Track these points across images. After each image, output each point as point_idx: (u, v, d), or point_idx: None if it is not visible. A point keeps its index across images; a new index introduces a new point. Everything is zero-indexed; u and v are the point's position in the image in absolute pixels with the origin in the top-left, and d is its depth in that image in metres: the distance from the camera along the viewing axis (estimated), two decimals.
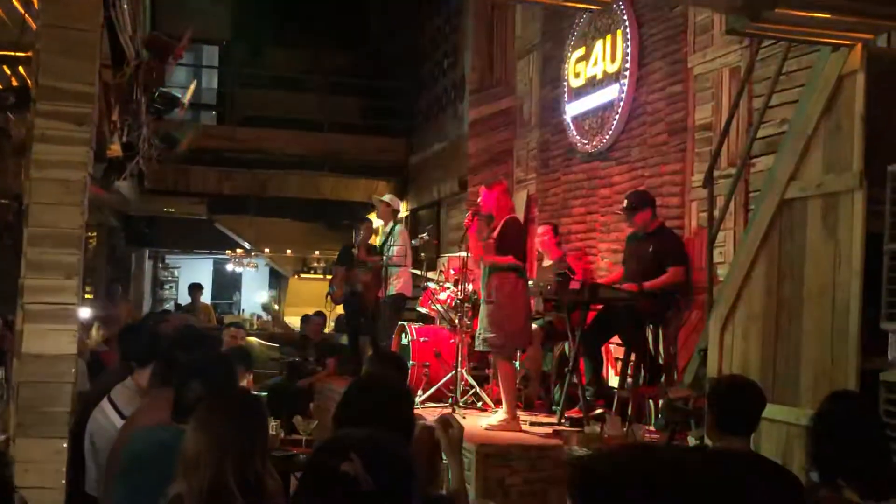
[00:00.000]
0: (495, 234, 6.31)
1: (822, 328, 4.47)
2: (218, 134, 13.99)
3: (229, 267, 21.86)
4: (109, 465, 3.49)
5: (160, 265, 22.69)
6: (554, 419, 6.64)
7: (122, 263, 16.84)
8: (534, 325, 7.75)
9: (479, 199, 6.63)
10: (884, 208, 4.09)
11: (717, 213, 6.09)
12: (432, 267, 8.52)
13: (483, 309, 6.40)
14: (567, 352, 7.01)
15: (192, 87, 10.12)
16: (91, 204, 10.20)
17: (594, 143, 8.27)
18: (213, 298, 21.35)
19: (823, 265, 4.49)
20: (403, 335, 8.02)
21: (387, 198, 9.35)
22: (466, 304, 7.34)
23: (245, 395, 2.80)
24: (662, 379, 6.56)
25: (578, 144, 8.60)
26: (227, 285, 23.84)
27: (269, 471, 2.48)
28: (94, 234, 14.58)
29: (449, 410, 7.09)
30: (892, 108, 4.39)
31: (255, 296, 22.25)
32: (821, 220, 4.54)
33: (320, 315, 11.35)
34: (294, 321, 13.82)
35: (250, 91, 15.11)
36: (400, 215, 9.58)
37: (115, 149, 8.50)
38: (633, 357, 6.61)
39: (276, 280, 22.12)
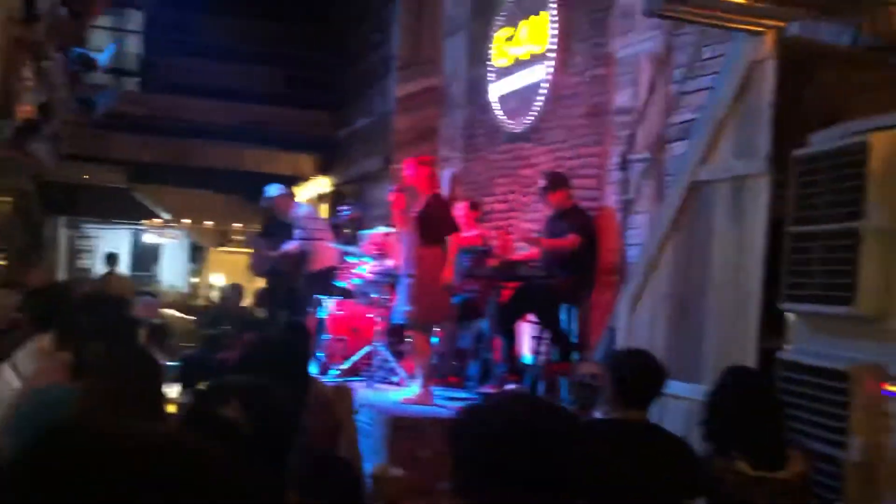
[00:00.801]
0: (419, 209, 6.33)
1: (725, 308, 4.59)
2: (139, 101, 13.63)
3: (149, 238, 21.41)
4: (4, 426, 3.44)
5: (77, 234, 22.12)
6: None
7: (37, 230, 16.34)
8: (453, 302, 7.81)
9: (403, 173, 6.64)
10: (788, 193, 4.20)
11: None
12: (354, 242, 8.47)
13: (404, 283, 6.42)
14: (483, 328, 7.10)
15: (112, 49, 9.82)
16: (5, 166, 9.81)
17: (517, 123, 8.32)
18: (132, 270, 20.89)
19: (729, 248, 4.60)
20: (321, 309, 7.98)
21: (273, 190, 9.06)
22: (385, 279, 7.34)
23: (140, 352, 2.76)
24: (576, 356, 6.67)
25: (502, 124, 8.64)
26: (146, 257, 23.33)
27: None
28: (11, 199, 14.13)
29: (363, 384, 7.11)
30: (800, 95, 4.51)
31: (175, 268, 21.83)
32: (729, 203, 4.66)
33: (236, 286, 11.23)
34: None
35: (175, 58, 14.75)
36: (318, 192, 9.44)
37: (29, 109, 8.24)
38: (546, 334, 6.72)
39: (199, 253, 21.75)
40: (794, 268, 4.04)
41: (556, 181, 6.78)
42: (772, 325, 4.35)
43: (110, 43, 16.98)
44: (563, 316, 6.75)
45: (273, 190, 8.90)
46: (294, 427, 1.60)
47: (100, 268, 16.91)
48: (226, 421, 1.46)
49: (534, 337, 6.86)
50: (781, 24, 4.40)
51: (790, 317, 4.18)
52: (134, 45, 16.83)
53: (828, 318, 3.89)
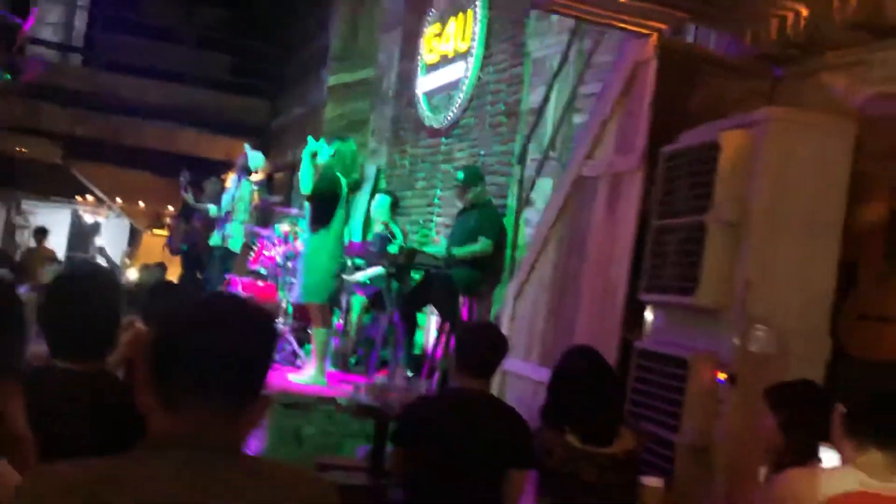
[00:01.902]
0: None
1: (595, 299, 4.71)
2: (75, 74, 13.53)
3: (88, 218, 21.18)
4: None
5: (14, 210, 21.80)
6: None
7: None
8: (360, 292, 7.89)
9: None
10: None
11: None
12: (268, 225, 8.56)
13: (299, 262, 6.51)
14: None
15: (34, 13, 9.75)
16: None
17: (440, 119, 8.43)
18: (69, 250, 20.64)
19: (603, 240, 4.73)
20: (229, 288, 8.00)
21: (252, 152, 9.26)
22: (290, 262, 7.40)
23: None
24: None
25: (426, 119, 8.75)
26: (85, 237, 23.09)
27: None
28: None
29: None
30: (678, 95, 4.66)
31: (113, 250, 21.60)
32: (606, 197, 4.79)
33: (162, 266, 11.18)
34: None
35: (120, 36, 14.67)
36: (255, 176, 9.50)
37: None
38: (446, 326, 6.81)
39: (136, 236, 21.58)
40: (653, 260, 4.18)
41: (472, 176, 6.89)
42: (637, 316, 4.48)
43: (34, 7, 16.82)
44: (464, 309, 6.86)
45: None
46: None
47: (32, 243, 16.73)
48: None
49: (437, 328, 6.96)
50: (663, 26, 4.54)
51: (648, 308, 4.31)
52: (80, 20, 16.70)
53: (676, 308, 4.03)
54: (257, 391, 1.44)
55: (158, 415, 1.38)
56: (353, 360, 7.67)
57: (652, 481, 3.17)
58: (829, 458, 2.66)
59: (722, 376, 3.62)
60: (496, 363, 3.58)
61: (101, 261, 16.01)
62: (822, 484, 2.39)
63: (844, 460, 2.49)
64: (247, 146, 9.13)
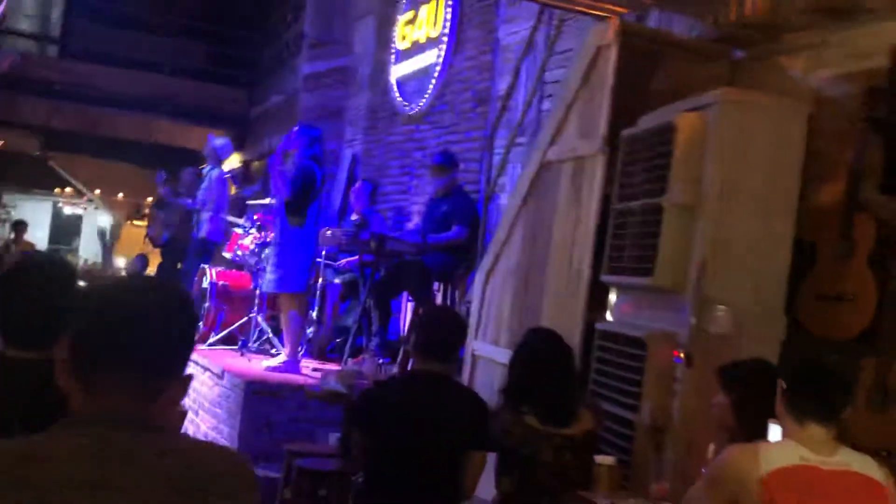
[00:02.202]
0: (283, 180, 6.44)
1: (560, 282, 4.75)
2: (55, 66, 13.47)
3: (68, 210, 21.11)
4: None
5: None
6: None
7: None
8: (337, 280, 7.91)
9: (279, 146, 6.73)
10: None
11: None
12: (243, 215, 8.57)
13: (270, 250, 6.50)
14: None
15: (4, 2, 9.70)
16: None
17: (413, 106, 8.44)
18: (51, 242, 20.59)
19: (567, 224, 4.76)
20: (205, 278, 8.01)
21: (218, 141, 9.25)
22: (264, 250, 7.40)
23: None
24: None
25: (400, 107, 8.76)
26: (67, 229, 23.03)
27: None
28: None
29: (237, 353, 7.18)
30: (638, 80, 4.69)
31: (94, 243, 21.56)
32: (570, 182, 4.81)
33: (142, 258, 11.18)
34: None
35: (96, 26, 14.59)
36: (229, 165, 9.50)
37: None
38: (420, 311, 6.83)
39: (116, 228, 21.53)
40: (614, 242, 4.21)
41: (450, 161, 6.91)
42: (602, 299, 4.52)
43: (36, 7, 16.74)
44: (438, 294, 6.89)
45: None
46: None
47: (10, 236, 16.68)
48: None
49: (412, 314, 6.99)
50: (623, 10, 4.56)
51: (612, 290, 4.35)
52: (57, 11, 16.61)
53: (635, 289, 4.07)
54: (176, 372, 1.46)
55: (77, 395, 1.41)
56: (328, 349, 7.68)
57: (605, 459, 3.21)
58: (777, 433, 2.70)
59: (679, 356, 3.66)
60: (456, 347, 3.62)
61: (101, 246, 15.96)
62: (763, 459, 2.44)
63: (785, 434, 2.54)
64: (210, 136, 9.11)
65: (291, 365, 6.47)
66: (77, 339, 1.41)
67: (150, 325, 1.41)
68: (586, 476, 3.39)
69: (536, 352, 3.59)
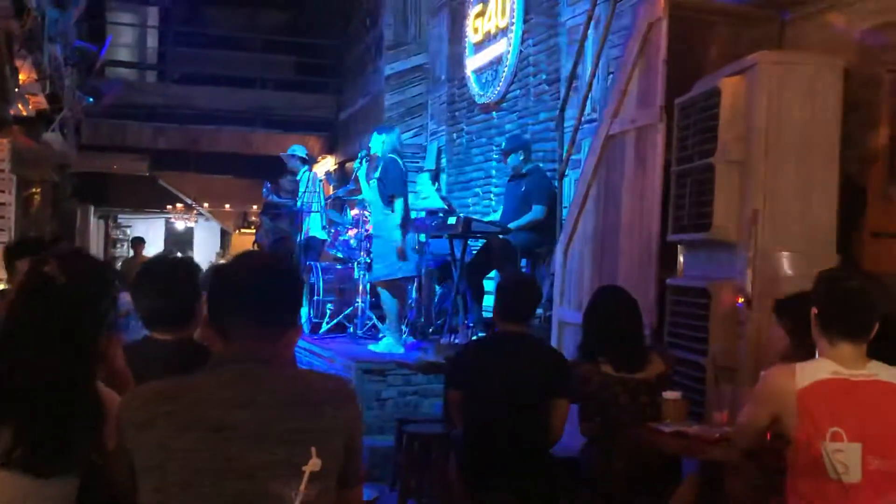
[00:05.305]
0: (377, 173, 6.95)
1: (632, 245, 5.10)
2: (154, 90, 14.39)
3: (180, 225, 22.28)
4: None
5: (111, 224, 23.07)
6: None
7: (67, 220, 17.20)
8: (431, 265, 8.39)
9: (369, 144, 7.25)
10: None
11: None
12: (343, 211, 9.17)
13: (373, 243, 7.05)
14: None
15: (108, 40, 10.51)
16: (24, 157, 10.47)
17: (489, 94, 8.86)
18: None
19: (634, 191, 5.11)
20: (311, 274, 8.60)
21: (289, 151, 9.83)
22: (364, 243, 7.95)
23: None
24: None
25: (477, 96, 9.18)
26: (180, 243, 24.29)
27: None
28: (38, 189, 14.94)
29: (347, 339, 7.75)
30: (690, 49, 5.00)
31: (206, 252, 22.72)
32: (633, 150, 5.16)
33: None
34: None
35: (189, 50, 15.52)
36: (324, 166, 10.06)
37: (39, 100, 8.94)
38: None
39: (226, 237, 22.64)
40: (677, 202, 4.55)
41: (514, 144, 7.30)
42: (670, 257, 4.86)
43: (134, 39, 17.78)
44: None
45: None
46: (107, 284, 2.20)
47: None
48: (46, 276, 2.07)
49: None
50: None
51: (679, 247, 4.68)
52: (152, 38, 17.65)
53: (697, 244, 4.40)
54: (289, 322, 1.92)
55: (217, 343, 1.89)
56: (429, 330, 8.17)
57: (671, 394, 3.57)
58: None
59: (740, 301, 3.98)
60: (531, 308, 4.03)
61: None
62: (799, 375, 2.78)
63: (820, 354, 2.86)
64: (286, 152, 9.72)
65: (396, 346, 6.98)
66: (212, 300, 1.89)
67: (264, 285, 1.87)
68: (661, 414, 3.75)
69: (604, 306, 3.97)
